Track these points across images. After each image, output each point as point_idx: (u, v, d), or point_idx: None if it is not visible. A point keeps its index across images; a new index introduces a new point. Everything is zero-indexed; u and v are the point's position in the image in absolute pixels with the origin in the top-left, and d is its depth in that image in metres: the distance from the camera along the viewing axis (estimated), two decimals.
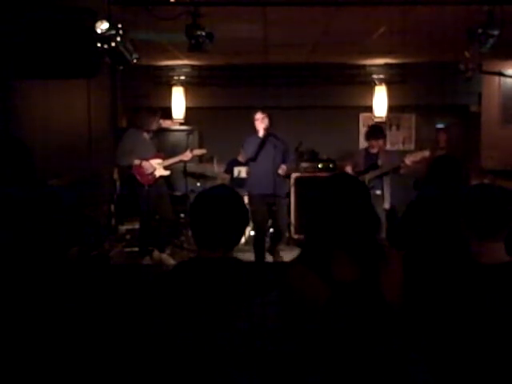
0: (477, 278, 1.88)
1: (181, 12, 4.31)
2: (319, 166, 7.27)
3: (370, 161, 5.88)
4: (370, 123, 7.29)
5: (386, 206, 5.85)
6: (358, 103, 8.10)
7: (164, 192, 5.90)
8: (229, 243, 1.90)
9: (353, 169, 5.96)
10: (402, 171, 5.61)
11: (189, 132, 7.20)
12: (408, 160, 5.44)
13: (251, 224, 5.93)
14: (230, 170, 7.29)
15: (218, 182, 6.82)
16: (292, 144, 5.79)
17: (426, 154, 5.35)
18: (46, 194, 2.72)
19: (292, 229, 6.92)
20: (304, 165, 7.24)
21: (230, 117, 7.75)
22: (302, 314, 1.81)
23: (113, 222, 7.13)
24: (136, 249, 6.00)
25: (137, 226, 6.25)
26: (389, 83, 7.94)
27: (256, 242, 5.64)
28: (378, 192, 5.77)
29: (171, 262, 5.67)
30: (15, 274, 2.45)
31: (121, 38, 4.29)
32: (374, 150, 5.94)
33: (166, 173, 5.82)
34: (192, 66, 7.98)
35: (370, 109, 8.07)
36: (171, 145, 7.50)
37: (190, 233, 5.97)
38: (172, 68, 8.00)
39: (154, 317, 1.82)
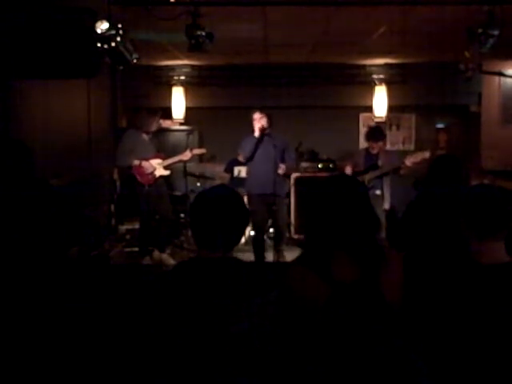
0: (477, 278, 1.88)
1: (181, 12, 4.31)
2: (319, 166, 7.27)
3: (370, 161, 5.87)
4: (370, 123, 7.28)
5: (386, 206, 5.84)
6: (358, 103, 8.10)
7: (164, 192, 5.90)
8: (229, 243, 1.90)
9: (353, 169, 5.95)
10: (402, 172, 5.60)
11: (189, 132, 7.20)
12: (408, 161, 5.44)
13: (251, 224, 5.93)
14: (230, 170, 7.28)
15: (218, 181, 6.81)
16: (292, 144, 5.79)
17: (427, 155, 5.34)
18: (46, 195, 2.72)
19: (292, 229, 6.91)
20: (304, 165, 7.24)
21: (230, 117, 7.73)
22: (302, 314, 1.81)
23: (113, 222, 7.13)
24: (136, 249, 6.00)
25: (137, 225, 6.25)
26: (389, 83, 7.94)
27: (256, 242, 5.63)
28: (378, 192, 5.77)
29: (171, 261, 5.66)
30: (16, 274, 2.45)
31: (121, 38, 4.29)
32: (374, 151, 5.94)
33: (166, 173, 5.82)
34: (192, 66, 7.98)
35: (370, 109, 8.07)
36: (171, 145, 7.50)
37: (189, 233, 5.97)
38: (172, 68, 8.00)
39: (154, 317, 1.81)
